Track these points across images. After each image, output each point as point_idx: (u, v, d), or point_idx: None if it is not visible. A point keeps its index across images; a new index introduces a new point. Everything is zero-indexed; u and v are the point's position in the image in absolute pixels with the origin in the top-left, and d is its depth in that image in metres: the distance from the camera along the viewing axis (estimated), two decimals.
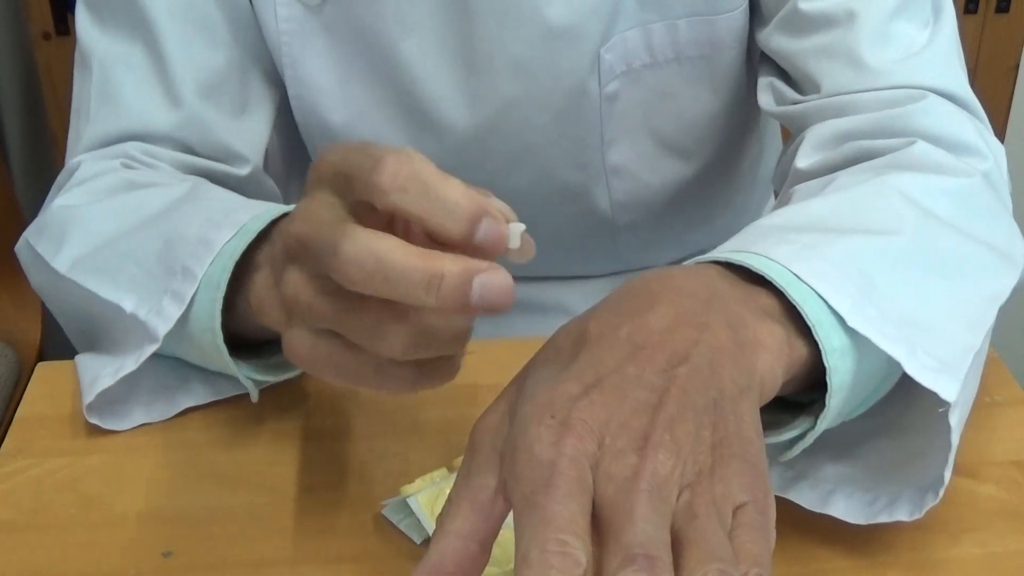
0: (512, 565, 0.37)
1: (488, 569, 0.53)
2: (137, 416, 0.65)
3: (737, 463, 0.40)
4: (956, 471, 0.61)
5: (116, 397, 0.64)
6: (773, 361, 0.46)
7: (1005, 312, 0.59)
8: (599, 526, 0.38)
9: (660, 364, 0.42)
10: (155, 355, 0.62)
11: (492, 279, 0.40)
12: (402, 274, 0.40)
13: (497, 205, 0.43)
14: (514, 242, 0.42)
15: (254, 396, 0.62)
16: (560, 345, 0.45)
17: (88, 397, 0.63)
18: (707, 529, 0.38)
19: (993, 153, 0.67)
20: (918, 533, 0.57)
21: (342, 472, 0.62)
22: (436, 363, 0.45)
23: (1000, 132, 1.72)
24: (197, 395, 0.67)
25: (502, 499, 0.41)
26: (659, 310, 0.44)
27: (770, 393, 0.46)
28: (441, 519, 0.42)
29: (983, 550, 0.57)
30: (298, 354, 0.45)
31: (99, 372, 0.64)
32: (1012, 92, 1.74)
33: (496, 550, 0.51)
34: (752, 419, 0.43)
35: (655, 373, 0.41)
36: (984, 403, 0.66)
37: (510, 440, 0.40)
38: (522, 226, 0.43)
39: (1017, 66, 1.72)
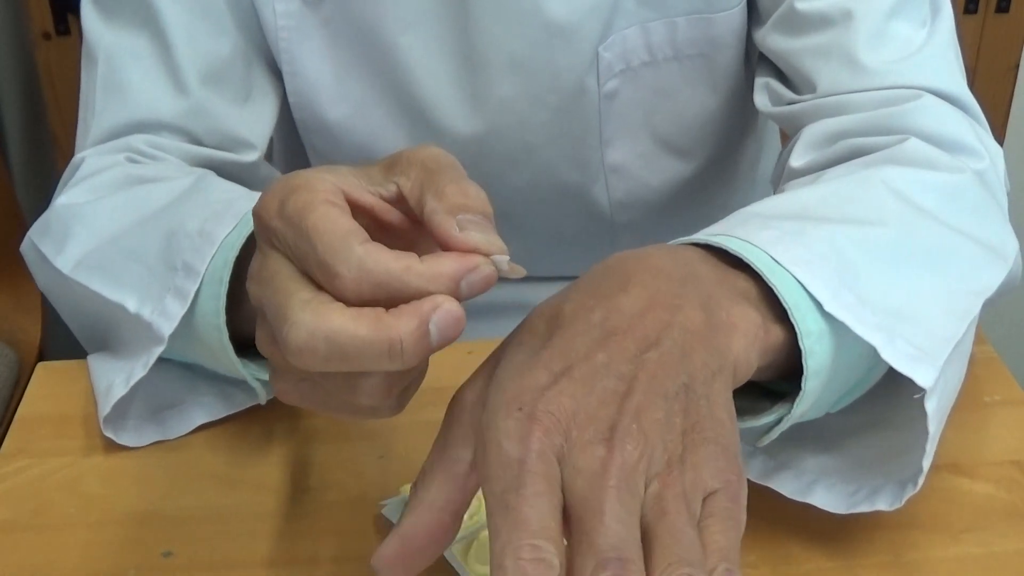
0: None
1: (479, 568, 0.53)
2: (149, 433, 0.65)
3: (709, 447, 0.40)
4: (956, 471, 0.61)
5: (128, 413, 0.64)
6: (747, 345, 0.46)
7: (1005, 312, 0.59)
8: (570, 521, 0.38)
9: (630, 351, 0.42)
10: (165, 370, 0.61)
11: (444, 317, 0.40)
12: (360, 351, 0.40)
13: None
14: (502, 268, 0.42)
15: (262, 398, 0.62)
16: (535, 326, 0.45)
17: (105, 409, 0.62)
18: (676, 527, 0.38)
19: (990, 154, 0.66)
20: (918, 533, 0.57)
21: (342, 472, 0.62)
22: (412, 384, 0.45)
23: (1000, 132, 1.72)
24: (211, 410, 0.66)
25: (476, 473, 0.42)
26: (632, 291, 0.44)
27: (744, 376, 0.46)
28: (414, 490, 0.43)
29: (983, 550, 0.57)
30: (286, 398, 0.45)
31: (112, 379, 0.62)
32: (1012, 92, 1.74)
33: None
34: (724, 401, 0.43)
35: (624, 361, 0.41)
36: (984, 403, 0.66)
37: (481, 432, 0.41)
38: (506, 257, 0.42)
39: (1017, 66, 1.72)
